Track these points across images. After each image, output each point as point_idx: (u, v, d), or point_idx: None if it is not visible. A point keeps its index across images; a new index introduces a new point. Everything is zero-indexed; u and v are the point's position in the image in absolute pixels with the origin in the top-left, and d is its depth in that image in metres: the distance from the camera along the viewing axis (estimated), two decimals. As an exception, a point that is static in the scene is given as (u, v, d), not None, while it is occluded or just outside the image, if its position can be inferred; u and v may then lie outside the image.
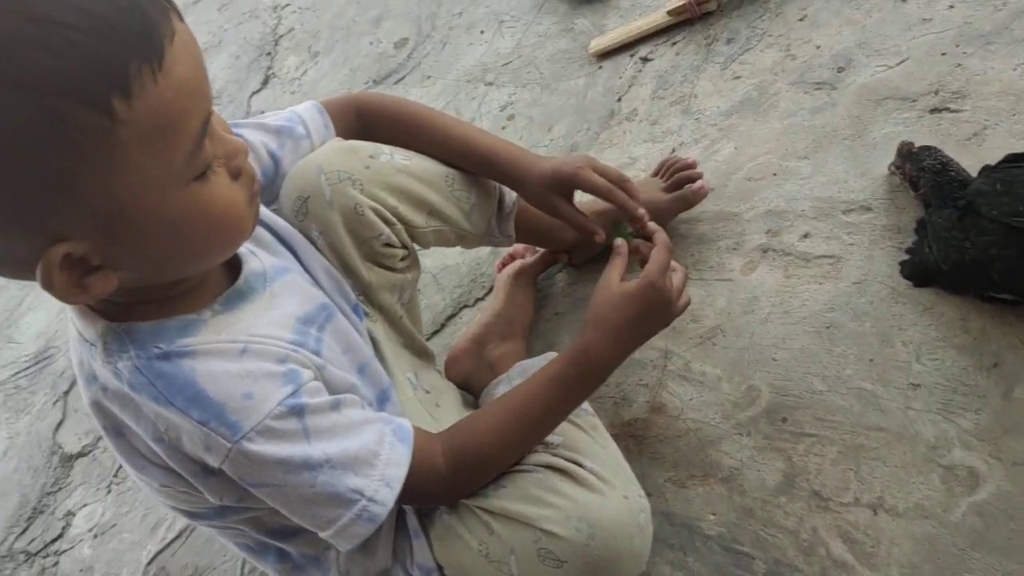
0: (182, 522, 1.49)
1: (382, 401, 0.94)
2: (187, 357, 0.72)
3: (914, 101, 1.19)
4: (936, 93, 1.18)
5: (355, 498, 0.76)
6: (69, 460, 1.81)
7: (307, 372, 0.77)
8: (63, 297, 0.64)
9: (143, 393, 0.71)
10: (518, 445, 0.91)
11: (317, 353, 0.81)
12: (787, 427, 1.03)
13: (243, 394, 0.72)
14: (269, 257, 0.88)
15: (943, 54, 1.21)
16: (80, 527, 1.65)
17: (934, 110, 1.17)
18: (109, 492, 1.67)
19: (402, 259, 1.04)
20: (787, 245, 1.17)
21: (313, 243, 0.99)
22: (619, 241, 0.96)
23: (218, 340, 0.74)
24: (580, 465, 0.89)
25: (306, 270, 0.95)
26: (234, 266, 0.83)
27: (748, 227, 1.22)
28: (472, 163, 1.07)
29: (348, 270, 1.00)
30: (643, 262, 0.93)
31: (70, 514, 1.69)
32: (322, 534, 0.78)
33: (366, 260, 1.01)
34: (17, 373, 2.16)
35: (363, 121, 1.07)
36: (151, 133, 0.59)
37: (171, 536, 1.50)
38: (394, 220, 1.00)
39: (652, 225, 0.98)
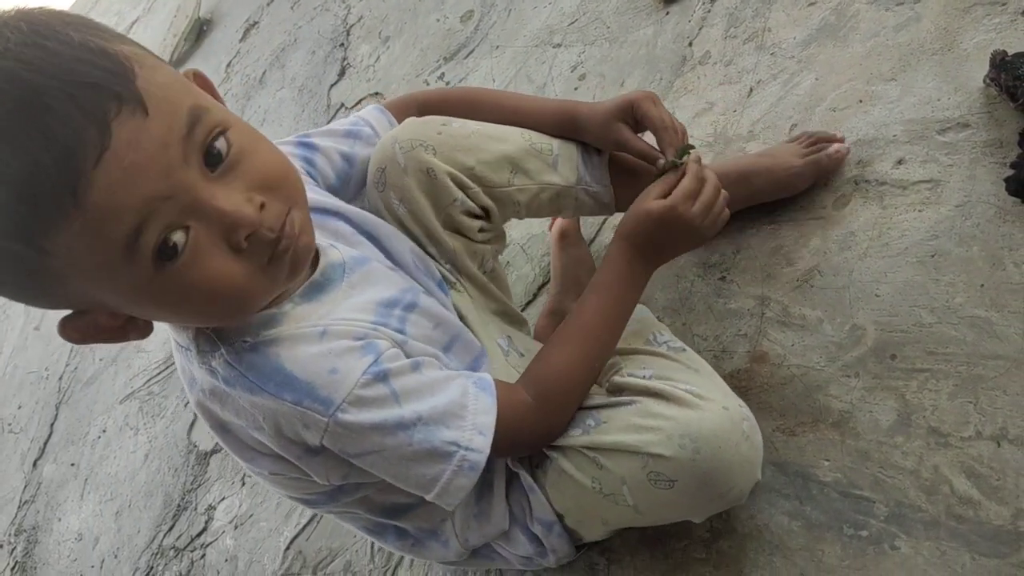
0: (310, 512, 1.56)
1: (474, 369, 0.96)
2: (272, 345, 0.77)
3: (1004, 4, 1.11)
4: (1030, -8, 1.10)
5: (452, 450, 0.80)
6: (204, 457, 1.93)
7: (384, 342, 0.81)
8: (106, 341, 0.74)
9: (237, 386, 0.77)
10: (589, 358, 0.94)
11: (400, 331, 0.85)
12: (897, 364, 0.99)
13: (328, 370, 0.76)
14: (348, 248, 0.91)
15: (1034, -52, 1.13)
16: (221, 519, 1.76)
17: (1029, 11, 1.09)
18: (243, 484, 1.77)
19: (480, 230, 1.06)
20: (880, 174, 1.12)
21: (395, 213, 1.03)
22: (662, 161, 0.99)
23: (298, 327, 0.79)
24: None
25: (389, 255, 0.97)
26: (315, 259, 0.87)
27: (837, 160, 1.17)
28: (532, 122, 1.09)
29: (432, 237, 1.03)
30: None
31: (211, 508, 1.80)
32: (428, 495, 0.82)
33: (446, 228, 1.04)
34: (149, 380, 2.30)
35: (423, 113, 1.10)
36: (83, 248, 0.63)
37: (304, 521, 1.57)
38: (470, 183, 1.02)
39: (693, 163, 0.99)
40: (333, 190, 1.04)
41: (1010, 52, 1.01)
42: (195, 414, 2.03)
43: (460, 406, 0.82)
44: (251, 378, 0.76)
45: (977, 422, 0.91)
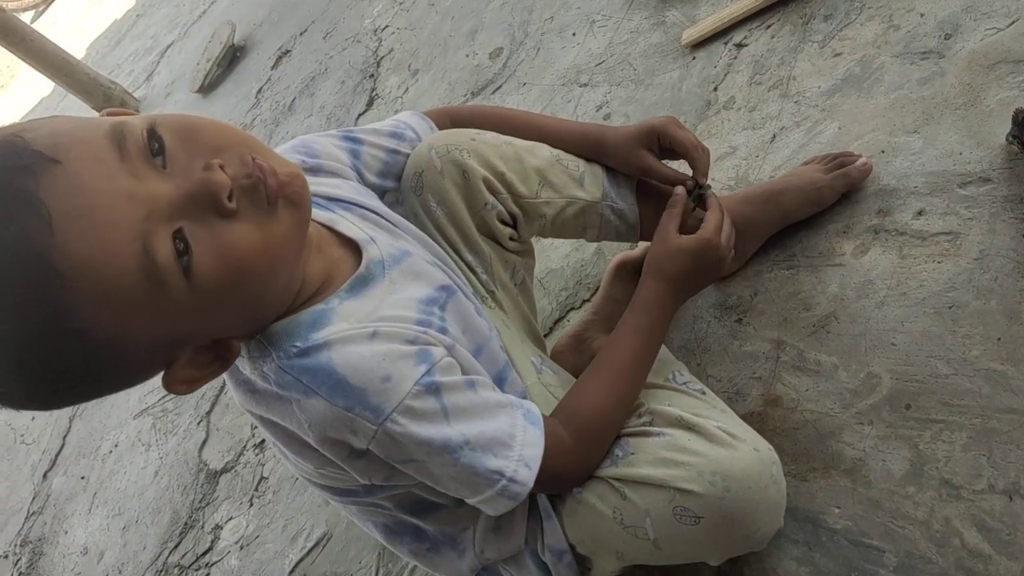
0: (319, 531, 1.57)
1: (499, 382, 0.97)
2: (323, 349, 0.78)
3: (1029, 62, 1.13)
4: (1053, 52, 1.11)
5: (496, 478, 0.81)
6: (214, 476, 1.93)
7: (438, 350, 0.82)
8: (210, 377, 0.77)
9: (292, 390, 0.78)
10: (624, 398, 0.96)
11: (443, 332, 0.86)
12: (911, 414, 0.99)
13: (381, 377, 0.77)
14: (389, 241, 0.93)
15: (1058, 10, 1.14)
16: (227, 539, 1.76)
17: (1052, 70, 1.10)
18: (251, 505, 1.77)
19: (511, 239, 1.08)
20: (900, 224, 1.13)
21: (432, 215, 1.05)
22: (679, 189, 1.04)
23: (348, 328, 0.80)
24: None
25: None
26: (358, 252, 0.88)
27: (857, 208, 1.18)
28: (558, 142, 1.12)
29: (468, 241, 1.06)
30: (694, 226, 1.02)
31: (218, 527, 1.80)
32: (469, 501, 0.84)
33: (481, 232, 1.06)
34: (163, 397, 2.32)
35: (456, 125, 1.14)
36: (107, 301, 0.63)
37: (310, 545, 1.57)
38: (500, 188, 1.05)
39: (712, 193, 1.06)
40: (373, 186, 1.06)
41: (1032, 110, 1.02)
42: (207, 433, 2.05)
43: (509, 436, 0.83)
44: (305, 382, 0.77)
45: (990, 475, 0.91)
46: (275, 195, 0.72)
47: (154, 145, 0.67)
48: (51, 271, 0.60)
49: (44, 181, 0.60)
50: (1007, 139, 1.07)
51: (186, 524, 1.89)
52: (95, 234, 0.61)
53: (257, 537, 1.70)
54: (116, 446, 2.35)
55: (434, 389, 0.79)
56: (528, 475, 0.82)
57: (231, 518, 1.79)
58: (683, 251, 0.99)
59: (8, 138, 0.62)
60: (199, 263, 0.67)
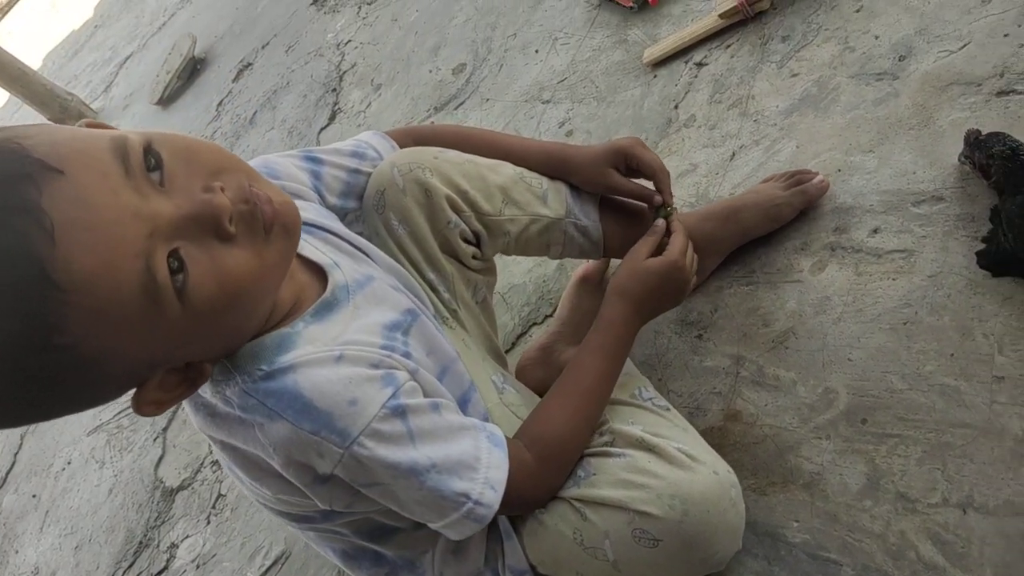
0: (277, 549, 1.54)
1: (463, 403, 0.97)
2: (289, 372, 0.77)
3: (979, 85, 1.16)
4: (1001, 75, 1.14)
5: (461, 501, 0.81)
6: (170, 494, 1.90)
7: (402, 374, 0.82)
8: (178, 400, 0.75)
9: (256, 413, 0.76)
10: (588, 420, 0.96)
11: (407, 356, 0.85)
12: (868, 428, 1.00)
13: (348, 401, 0.76)
14: (352, 266, 0.92)
15: (1006, 35, 1.17)
16: (183, 558, 1.72)
17: (1000, 93, 1.13)
18: (209, 523, 1.74)
19: (474, 257, 1.08)
20: (856, 242, 1.15)
21: (395, 234, 1.04)
22: (659, 221, 1.07)
23: (314, 351, 0.79)
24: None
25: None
26: (324, 277, 0.88)
27: (815, 226, 1.20)
28: (521, 161, 1.12)
29: (431, 260, 1.05)
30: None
31: (174, 546, 1.77)
32: (432, 526, 0.83)
33: (443, 251, 1.06)
34: (119, 413, 2.27)
35: (418, 144, 1.13)
36: (100, 317, 0.61)
37: (268, 563, 1.55)
38: (464, 207, 1.05)
39: (675, 217, 1.08)
40: (335, 208, 1.06)
41: (984, 131, 1.05)
42: (163, 450, 2.01)
43: (474, 458, 0.83)
44: (270, 405, 0.76)
45: (944, 489, 0.92)
46: (271, 223, 0.71)
47: (150, 161, 0.66)
48: (48, 283, 0.57)
49: (47, 191, 0.58)
50: (959, 159, 1.09)
51: (141, 543, 1.85)
52: (99, 248, 0.59)
53: (214, 556, 1.67)
54: (69, 463, 2.30)
55: (400, 412, 0.79)
56: (494, 497, 0.82)
57: (187, 536, 1.76)
58: (650, 272, 1.01)
59: (6, 143, 0.60)
60: (195, 285, 0.65)
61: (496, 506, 0.82)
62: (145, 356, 0.67)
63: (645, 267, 1.01)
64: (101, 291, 0.60)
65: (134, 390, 0.71)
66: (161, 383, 0.71)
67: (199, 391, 0.82)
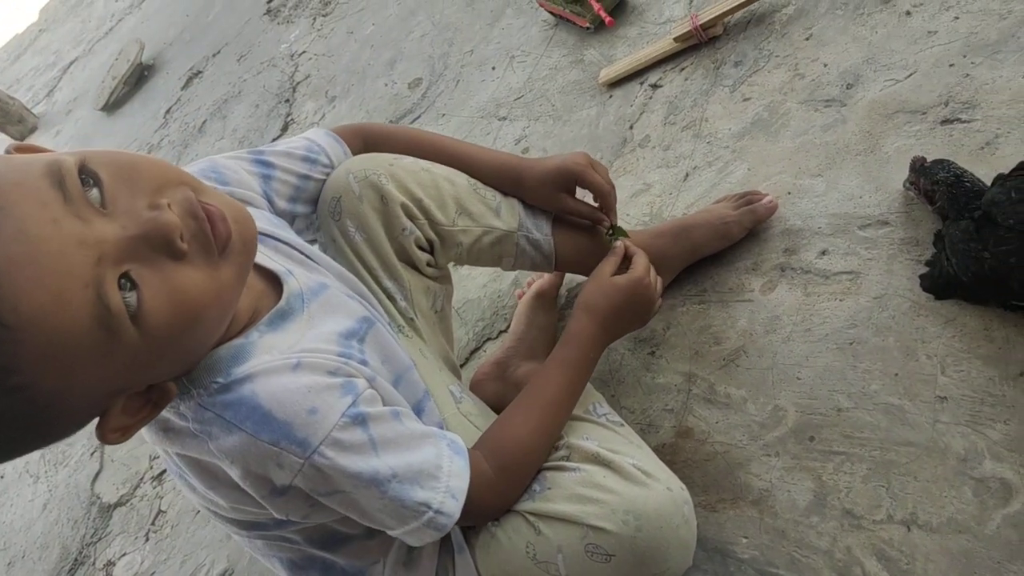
0: (220, 566, 1.51)
1: (418, 412, 0.96)
2: (246, 382, 0.75)
3: (924, 113, 1.20)
4: (946, 104, 1.18)
5: (423, 510, 0.80)
6: (108, 510, 1.84)
7: (361, 382, 0.81)
8: (143, 423, 0.72)
9: (213, 426, 0.74)
10: (549, 434, 0.96)
11: (364, 364, 0.85)
12: (815, 446, 1.02)
13: (307, 410, 0.75)
14: (306, 275, 0.91)
15: (951, 65, 1.22)
16: (121, 576, 1.67)
17: (945, 121, 1.17)
18: (147, 540, 1.69)
19: (429, 265, 1.08)
20: (805, 263, 1.17)
21: (351, 241, 1.04)
22: (619, 242, 1.09)
23: (271, 360, 0.77)
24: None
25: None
26: (279, 285, 0.86)
27: (765, 247, 1.22)
28: (474, 171, 1.12)
29: (387, 267, 1.05)
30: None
31: (110, 564, 1.71)
32: (391, 533, 0.82)
33: (399, 258, 1.06)
34: (54, 426, 2.19)
35: (369, 147, 1.12)
36: (54, 352, 0.58)
37: (209, 582, 1.51)
38: (418, 214, 1.05)
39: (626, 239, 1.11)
40: (284, 212, 1.04)
41: (929, 159, 1.08)
42: (101, 464, 1.96)
43: (436, 467, 0.82)
44: (227, 417, 0.74)
45: (889, 506, 0.94)
46: (225, 241, 0.68)
47: (88, 182, 0.62)
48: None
49: None
50: (904, 185, 1.13)
51: (76, 560, 1.79)
52: (46, 283, 0.56)
53: (153, 573, 1.62)
54: (2, 477, 2.22)
55: (361, 420, 0.78)
56: (455, 506, 0.82)
57: (125, 554, 1.71)
58: (617, 288, 1.02)
59: None
60: (149, 308, 0.62)
61: (457, 515, 0.82)
62: (105, 386, 0.64)
63: (612, 283, 1.03)
64: (52, 326, 0.57)
65: (96, 420, 0.68)
66: (124, 409, 0.68)
67: None
